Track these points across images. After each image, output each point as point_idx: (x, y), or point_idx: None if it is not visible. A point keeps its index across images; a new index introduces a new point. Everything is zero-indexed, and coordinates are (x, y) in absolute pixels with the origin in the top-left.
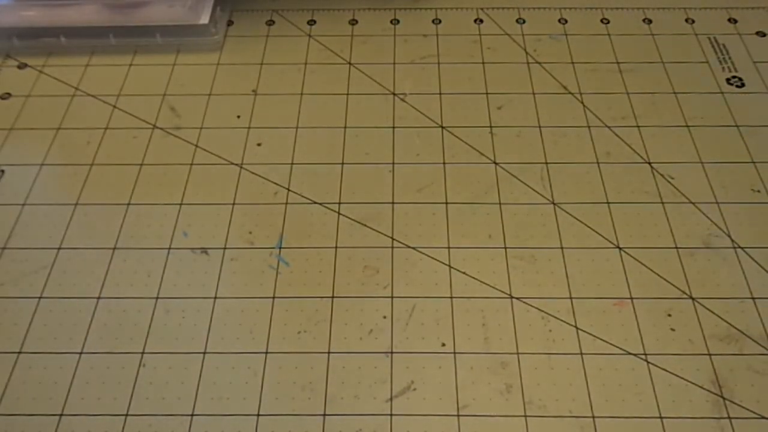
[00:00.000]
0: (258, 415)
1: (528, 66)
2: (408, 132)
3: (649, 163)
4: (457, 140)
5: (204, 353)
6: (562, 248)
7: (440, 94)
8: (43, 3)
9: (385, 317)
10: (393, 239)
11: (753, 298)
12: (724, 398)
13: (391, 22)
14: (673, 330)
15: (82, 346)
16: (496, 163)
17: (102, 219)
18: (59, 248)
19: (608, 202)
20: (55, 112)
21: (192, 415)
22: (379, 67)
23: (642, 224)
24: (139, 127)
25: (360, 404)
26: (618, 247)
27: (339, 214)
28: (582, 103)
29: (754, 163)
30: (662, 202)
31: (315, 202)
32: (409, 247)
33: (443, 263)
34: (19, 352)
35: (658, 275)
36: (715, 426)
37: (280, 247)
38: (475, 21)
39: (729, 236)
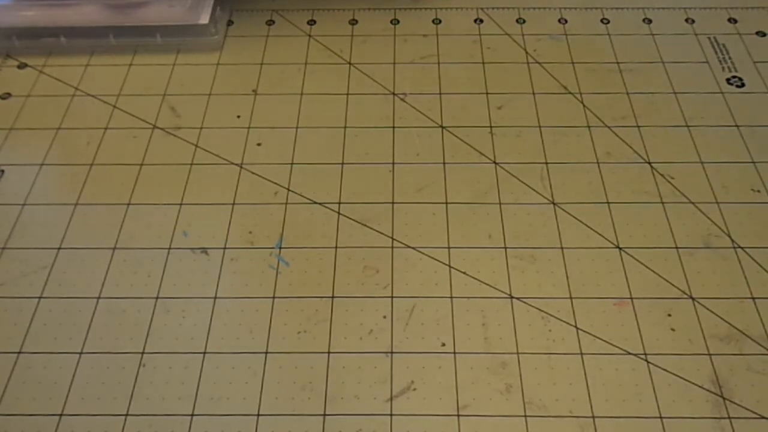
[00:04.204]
0: (258, 415)
1: (528, 66)
2: (408, 132)
3: (649, 163)
4: (457, 140)
5: (204, 353)
6: (562, 248)
7: (440, 94)
8: (43, 3)
9: (385, 317)
10: (393, 239)
11: (753, 298)
12: (724, 398)
13: (391, 22)
14: (673, 330)
15: (82, 346)
16: (496, 163)
17: (102, 219)
18: (59, 248)
19: (608, 202)
20: (55, 112)
21: (192, 415)
22: (379, 67)
23: (642, 224)
24: (139, 127)
25: (360, 404)
26: (618, 247)
27: (339, 214)
28: (582, 103)
29: (754, 163)
30: (662, 202)
31: (315, 202)
32: (409, 247)
33: (443, 263)
34: (19, 352)
35: (658, 275)
36: (715, 426)
37: (280, 247)
38: (475, 21)
39: (729, 236)
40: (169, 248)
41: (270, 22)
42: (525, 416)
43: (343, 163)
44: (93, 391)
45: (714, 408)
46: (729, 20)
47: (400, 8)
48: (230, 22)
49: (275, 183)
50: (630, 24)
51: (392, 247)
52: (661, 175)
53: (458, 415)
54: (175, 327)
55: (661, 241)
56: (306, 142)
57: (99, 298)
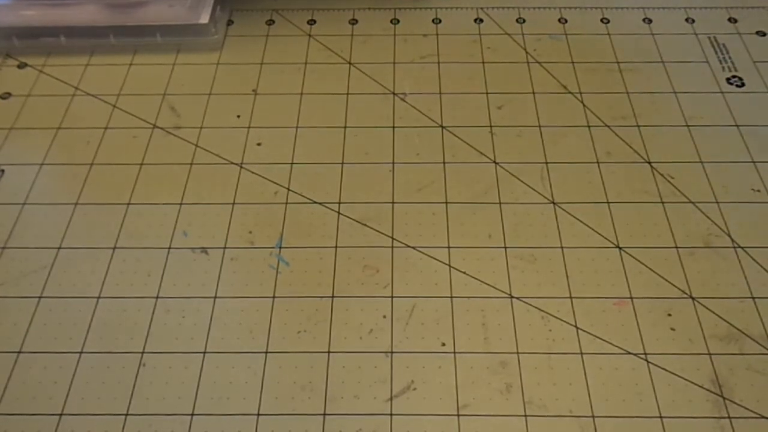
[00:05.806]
0: (258, 415)
1: (528, 66)
2: (408, 132)
3: (649, 163)
4: (457, 140)
5: (204, 353)
6: (562, 248)
7: (440, 94)
8: (43, 3)
9: (385, 317)
10: (393, 239)
11: (753, 298)
12: (724, 398)
13: (391, 21)
14: (673, 330)
15: (82, 346)
16: (496, 163)
17: (102, 219)
18: (59, 248)
19: (608, 202)
20: (55, 112)
21: (192, 415)
22: (379, 67)
23: (642, 224)
24: (139, 127)
25: (360, 404)
26: (618, 247)
27: (339, 213)
28: (582, 103)
29: (754, 163)
30: (662, 202)
31: (315, 202)
32: (409, 246)
33: (443, 263)
34: (19, 352)
35: (658, 275)
36: (715, 426)
37: (280, 247)
38: (475, 21)
39: (729, 236)
40: (169, 248)
41: (270, 22)
42: (525, 416)
43: (343, 163)
44: (93, 391)
45: (714, 408)
46: (729, 20)
47: (400, 8)
48: (230, 22)
49: (275, 183)
50: (630, 24)
51: (392, 247)
52: (661, 174)
53: (458, 415)
54: (175, 327)
55: (661, 241)
56: (306, 142)
57: (99, 298)
